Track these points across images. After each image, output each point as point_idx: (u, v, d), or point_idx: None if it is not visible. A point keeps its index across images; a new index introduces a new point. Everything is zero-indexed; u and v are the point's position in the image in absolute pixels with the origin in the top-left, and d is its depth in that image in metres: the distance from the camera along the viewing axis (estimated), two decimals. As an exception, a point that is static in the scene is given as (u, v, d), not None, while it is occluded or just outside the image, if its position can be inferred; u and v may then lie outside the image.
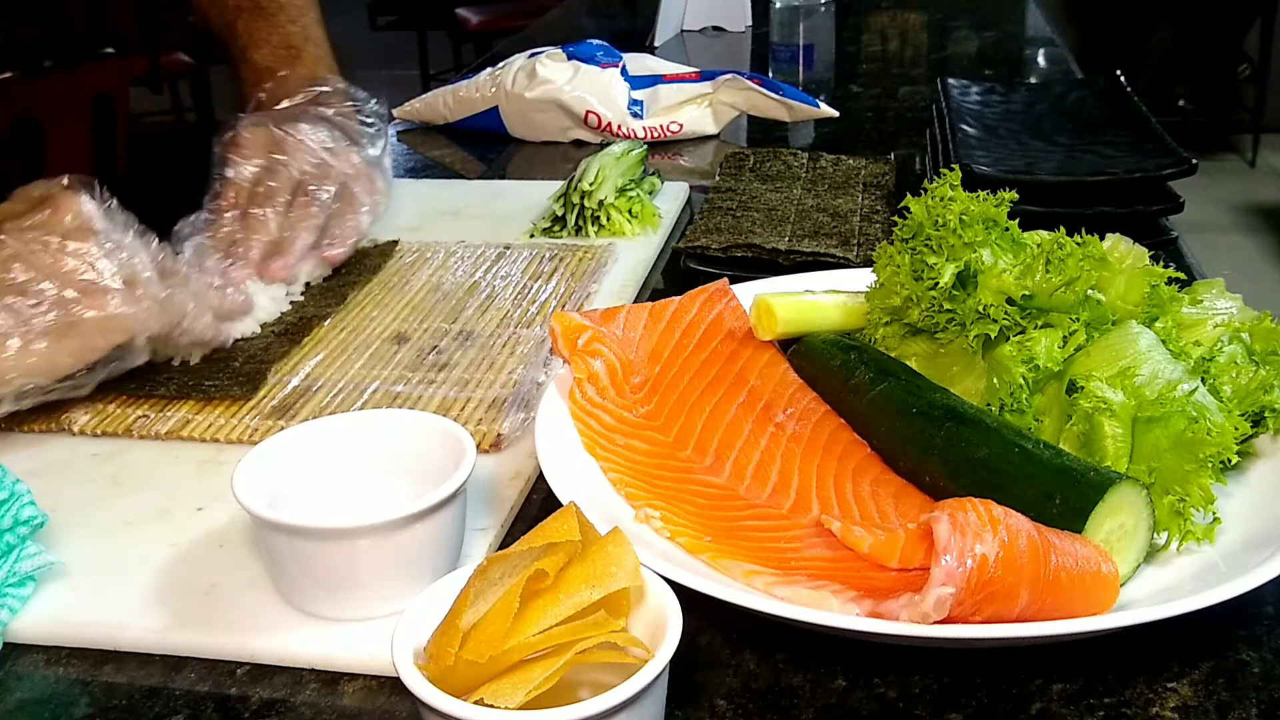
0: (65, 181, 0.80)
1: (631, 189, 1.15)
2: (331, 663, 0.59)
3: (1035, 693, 0.56)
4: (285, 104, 1.05)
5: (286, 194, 0.96)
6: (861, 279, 0.83)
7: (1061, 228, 0.73)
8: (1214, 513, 0.63)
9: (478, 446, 0.65)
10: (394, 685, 0.58)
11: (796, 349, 0.82)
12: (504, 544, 0.69)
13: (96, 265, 0.76)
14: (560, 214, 1.13)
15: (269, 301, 0.95)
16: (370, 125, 1.08)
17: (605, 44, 1.50)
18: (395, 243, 1.09)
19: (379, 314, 0.96)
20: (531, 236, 1.12)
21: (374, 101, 1.10)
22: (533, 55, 1.48)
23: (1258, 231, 4.12)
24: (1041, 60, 1.96)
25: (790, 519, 0.67)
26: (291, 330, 0.92)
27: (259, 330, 0.92)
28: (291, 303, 0.97)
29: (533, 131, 1.48)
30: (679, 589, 0.53)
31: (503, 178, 1.38)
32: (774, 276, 0.93)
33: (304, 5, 1.13)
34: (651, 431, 0.75)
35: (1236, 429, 0.65)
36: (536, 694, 0.47)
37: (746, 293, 0.86)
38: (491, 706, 0.46)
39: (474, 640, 0.48)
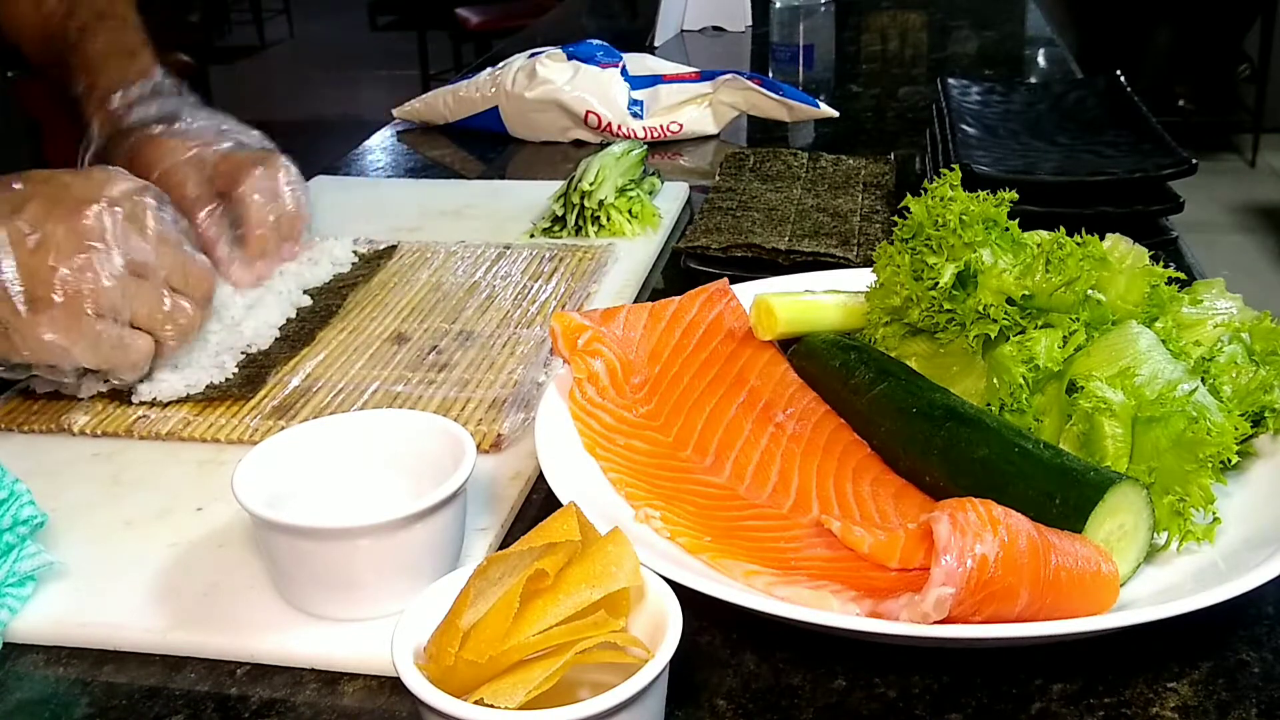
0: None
1: (631, 189, 1.15)
2: (331, 663, 0.59)
3: (1035, 693, 0.56)
4: (138, 109, 1.04)
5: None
6: (861, 279, 0.83)
7: (1061, 228, 0.73)
8: (1214, 513, 0.63)
9: (478, 446, 0.65)
10: (394, 685, 0.58)
11: (796, 349, 0.82)
12: (504, 544, 0.69)
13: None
14: (560, 214, 1.13)
15: (275, 301, 0.94)
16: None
17: (605, 44, 1.50)
18: (394, 245, 1.09)
19: (379, 314, 0.96)
20: (531, 236, 1.12)
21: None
22: (533, 55, 1.48)
23: (1258, 231, 4.12)
24: (1041, 60, 1.95)
25: (790, 519, 0.67)
26: (293, 337, 0.91)
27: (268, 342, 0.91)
28: (298, 310, 0.96)
29: (533, 131, 1.48)
30: (679, 589, 0.53)
31: (503, 178, 1.38)
32: (774, 276, 0.93)
33: (130, 19, 1.13)
34: (651, 431, 0.75)
35: (1236, 429, 0.65)
36: (536, 694, 0.47)
37: (746, 293, 0.86)
38: (491, 706, 0.46)
39: (474, 640, 0.48)
